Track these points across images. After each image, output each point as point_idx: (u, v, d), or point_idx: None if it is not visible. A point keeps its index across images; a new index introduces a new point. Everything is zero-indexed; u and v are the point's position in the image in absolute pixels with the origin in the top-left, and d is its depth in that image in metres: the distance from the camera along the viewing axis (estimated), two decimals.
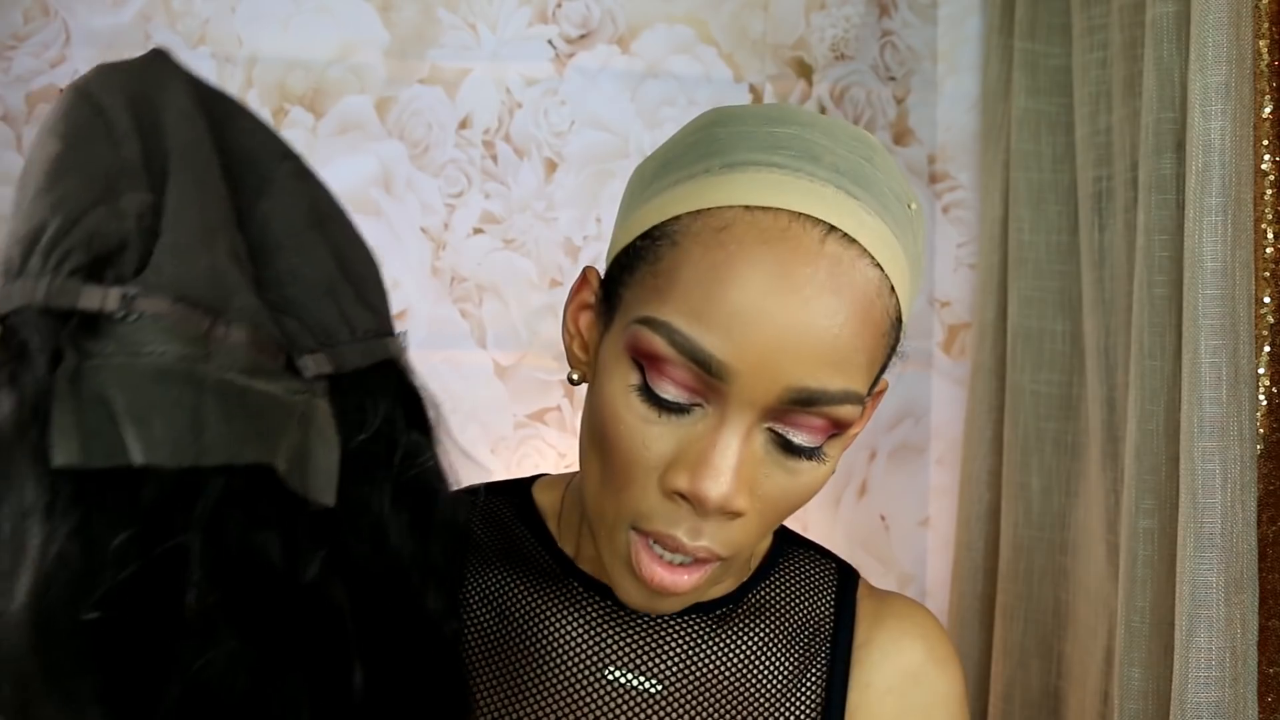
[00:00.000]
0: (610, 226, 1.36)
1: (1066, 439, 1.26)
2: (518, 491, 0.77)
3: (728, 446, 0.57)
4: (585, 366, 0.66)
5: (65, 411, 0.42)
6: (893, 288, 0.60)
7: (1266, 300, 0.97)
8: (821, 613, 0.74)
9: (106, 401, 0.43)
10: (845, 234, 0.58)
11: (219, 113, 0.51)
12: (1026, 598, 1.27)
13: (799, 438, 0.59)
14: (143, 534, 0.43)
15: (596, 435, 0.62)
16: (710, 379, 0.57)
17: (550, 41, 1.36)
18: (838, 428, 0.59)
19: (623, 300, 0.62)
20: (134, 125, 0.47)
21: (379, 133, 1.32)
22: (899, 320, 0.62)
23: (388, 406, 0.52)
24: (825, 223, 0.58)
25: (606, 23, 1.37)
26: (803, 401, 0.57)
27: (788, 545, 0.77)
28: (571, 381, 0.67)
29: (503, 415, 1.35)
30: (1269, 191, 0.98)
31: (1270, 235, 0.98)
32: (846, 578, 0.76)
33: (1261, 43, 0.97)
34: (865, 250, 0.58)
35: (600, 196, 1.37)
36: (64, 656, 0.42)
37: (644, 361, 0.58)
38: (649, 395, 0.59)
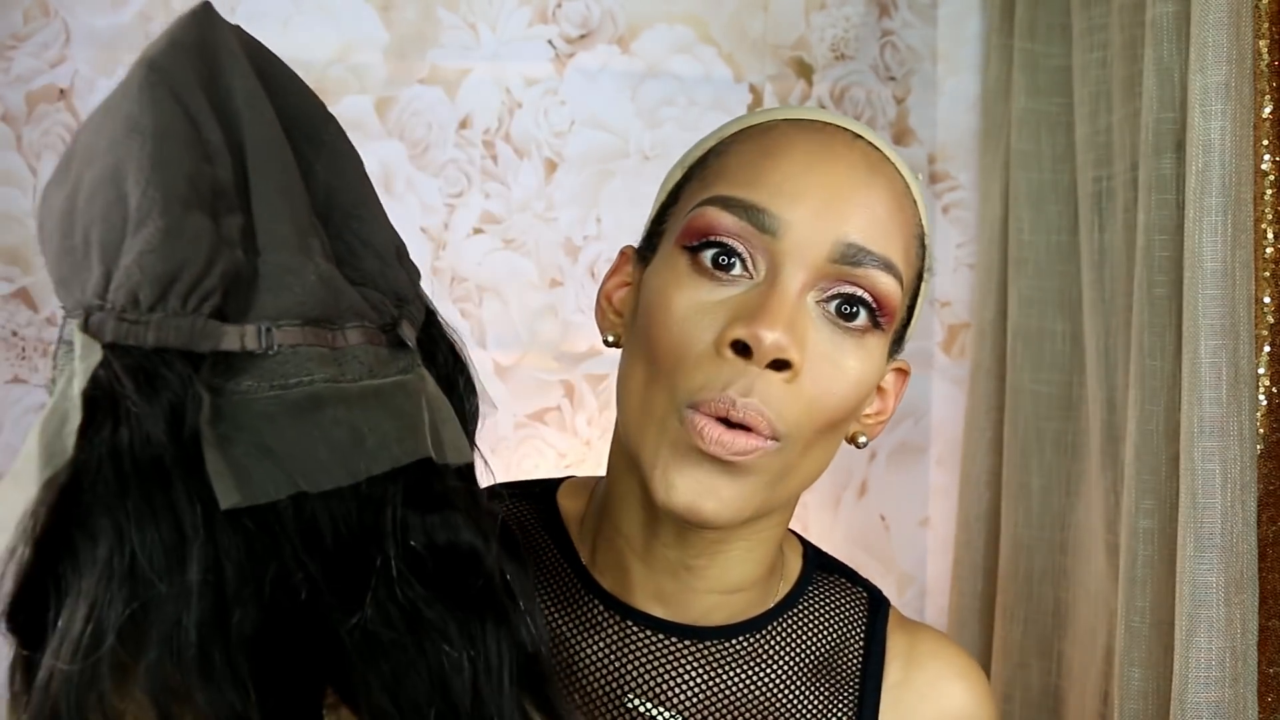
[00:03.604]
0: (610, 226, 1.37)
1: (1066, 439, 1.26)
2: (543, 496, 0.74)
3: (782, 297, 0.59)
4: (619, 326, 0.69)
5: (215, 453, 0.42)
6: (915, 202, 0.66)
7: (1266, 300, 0.97)
8: (850, 646, 0.71)
9: (259, 436, 0.43)
10: (873, 144, 0.65)
11: (269, 75, 0.49)
12: (1026, 598, 1.27)
13: (851, 305, 0.61)
14: (332, 555, 0.44)
15: (643, 344, 0.63)
16: (763, 236, 0.60)
17: (550, 41, 1.36)
18: (882, 309, 0.62)
19: (666, 230, 0.66)
20: (223, 136, 0.46)
21: (379, 133, 1.32)
22: (923, 242, 0.67)
23: (445, 350, 0.53)
24: (854, 132, 0.65)
25: (606, 23, 1.37)
26: (850, 259, 0.61)
27: (818, 571, 0.74)
28: (607, 344, 0.69)
29: (503, 415, 1.35)
30: (1269, 191, 0.98)
31: (1270, 235, 0.98)
32: (877, 608, 0.73)
33: (1261, 43, 0.97)
34: (889, 159, 0.65)
35: (600, 196, 1.37)
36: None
37: (698, 241, 0.62)
38: (702, 270, 0.61)
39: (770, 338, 0.58)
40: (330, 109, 0.52)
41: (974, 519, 1.35)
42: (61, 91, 1.28)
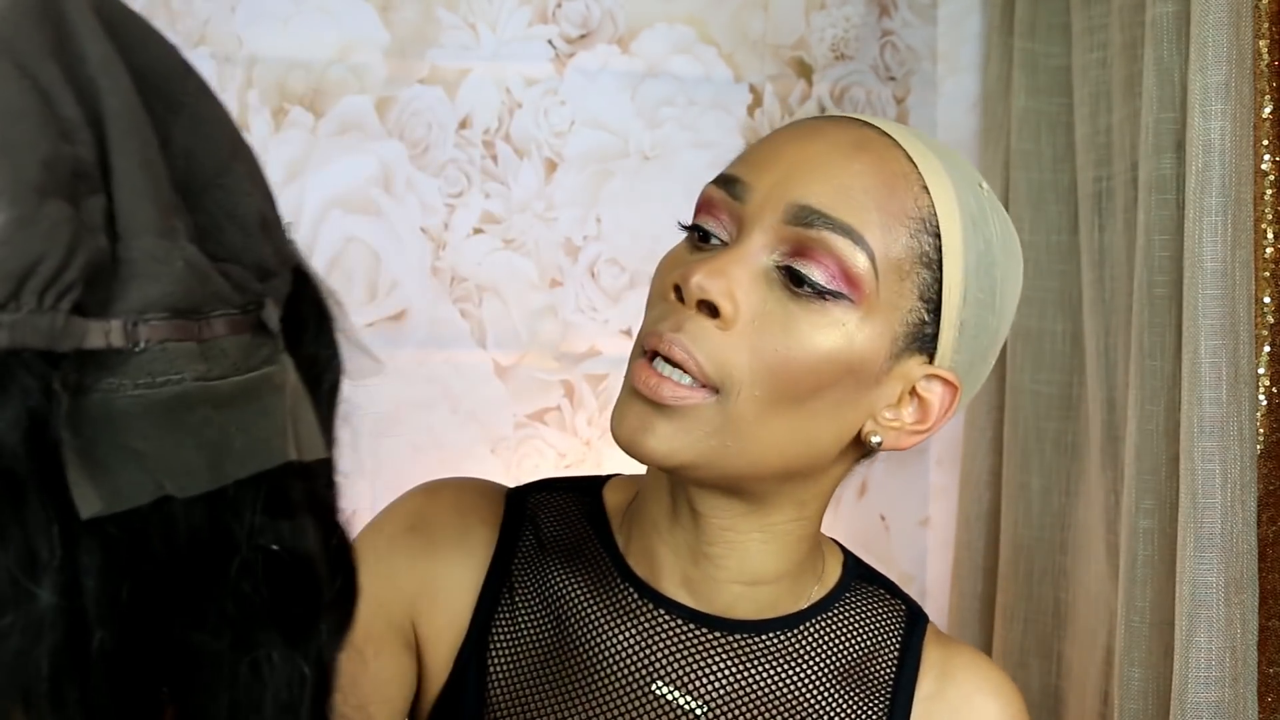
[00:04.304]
0: (610, 226, 1.37)
1: (1066, 439, 1.26)
2: (590, 489, 0.77)
3: (734, 253, 0.62)
4: None
5: (76, 458, 0.39)
6: (926, 187, 0.63)
7: (1266, 300, 0.97)
8: (884, 655, 0.72)
9: (124, 438, 0.40)
10: (882, 131, 0.65)
11: (121, 32, 0.45)
12: (1026, 598, 1.27)
13: (804, 267, 0.61)
14: (184, 561, 0.41)
15: None
16: (734, 203, 0.63)
17: (550, 41, 1.36)
18: (848, 281, 0.61)
19: None
20: (80, 110, 0.41)
21: (379, 133, 1.32)
22: (932, 231, 0.62)
23: (313, 326, 0.49)
24: (860, 119, 0.66)
25: (606, 23, 1.37)
26: (802, 220, 0.61)
27: (857, 580, 0.75)
28: None
29: (503, 415, 1.35)
30: (1269, 191, 0.98)
31: (1270, 235, 0.98)
32: (915, 621, 0.74)
33: (1261, 43, 0.97)
34: (898, 144, 0.64)
35: (600, 196, 1.37)
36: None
37: (696, 221, 0.65)
38: (691, 241, 0.66)
39: (695, 279, 0.60)
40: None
41: (974, 519, 1.35)
42: None
